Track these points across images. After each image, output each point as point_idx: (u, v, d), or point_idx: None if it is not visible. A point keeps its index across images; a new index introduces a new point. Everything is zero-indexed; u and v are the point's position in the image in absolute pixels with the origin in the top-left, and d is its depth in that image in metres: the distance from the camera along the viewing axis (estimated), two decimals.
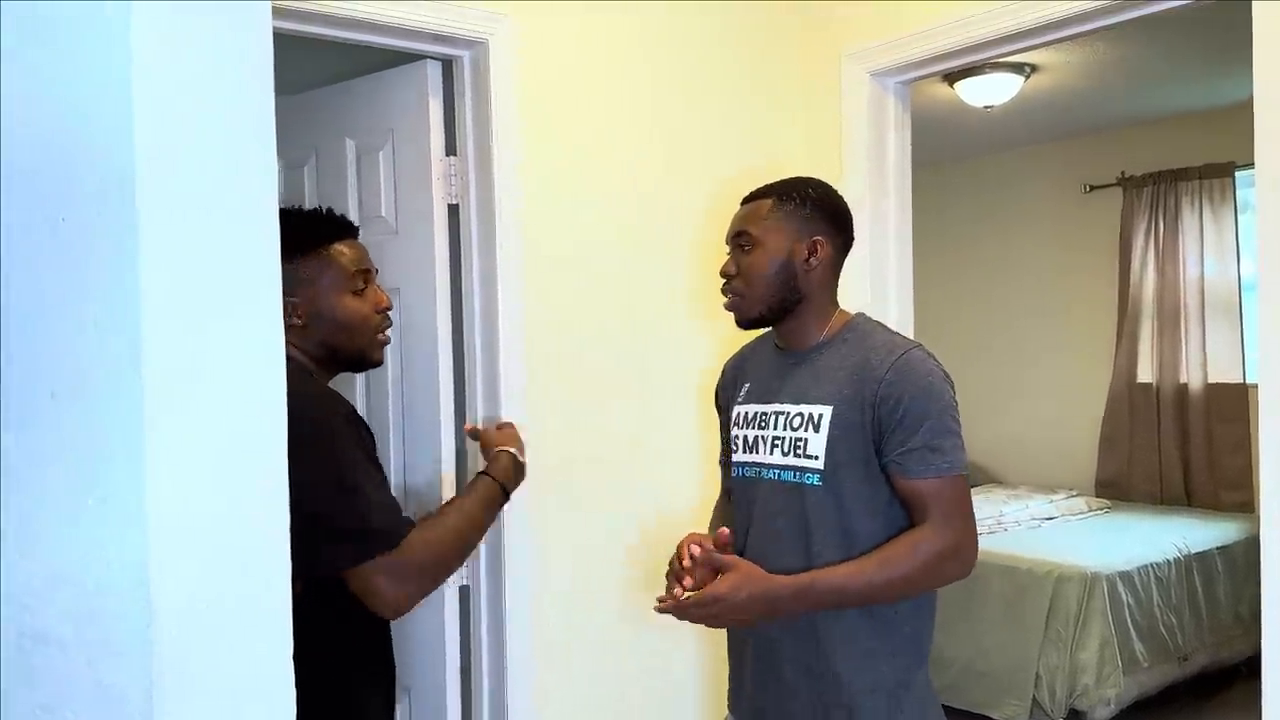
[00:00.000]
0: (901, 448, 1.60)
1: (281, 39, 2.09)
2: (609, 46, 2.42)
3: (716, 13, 2.58)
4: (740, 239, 1.73)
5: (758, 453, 1.76)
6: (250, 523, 0.88)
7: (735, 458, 1.83)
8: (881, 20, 2.55)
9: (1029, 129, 5.09)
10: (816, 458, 1.65)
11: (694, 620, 1.62)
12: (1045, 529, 4.53)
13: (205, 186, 0.87)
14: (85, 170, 0.84)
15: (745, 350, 1.94)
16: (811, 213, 1.72)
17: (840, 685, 1.66)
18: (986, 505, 4.72)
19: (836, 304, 1.78)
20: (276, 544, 0.90)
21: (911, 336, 2.66)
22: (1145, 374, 5.12)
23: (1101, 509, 4.87)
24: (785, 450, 1.71)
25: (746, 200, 1.79)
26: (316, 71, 2.66)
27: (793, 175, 1.80)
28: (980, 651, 3.99)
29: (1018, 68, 4.01)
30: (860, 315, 1.79)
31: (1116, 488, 5.17)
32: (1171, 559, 4.10)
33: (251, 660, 0.88)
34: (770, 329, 1.81)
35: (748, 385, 1.85)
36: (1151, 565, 4.03)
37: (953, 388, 1.67)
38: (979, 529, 4.42)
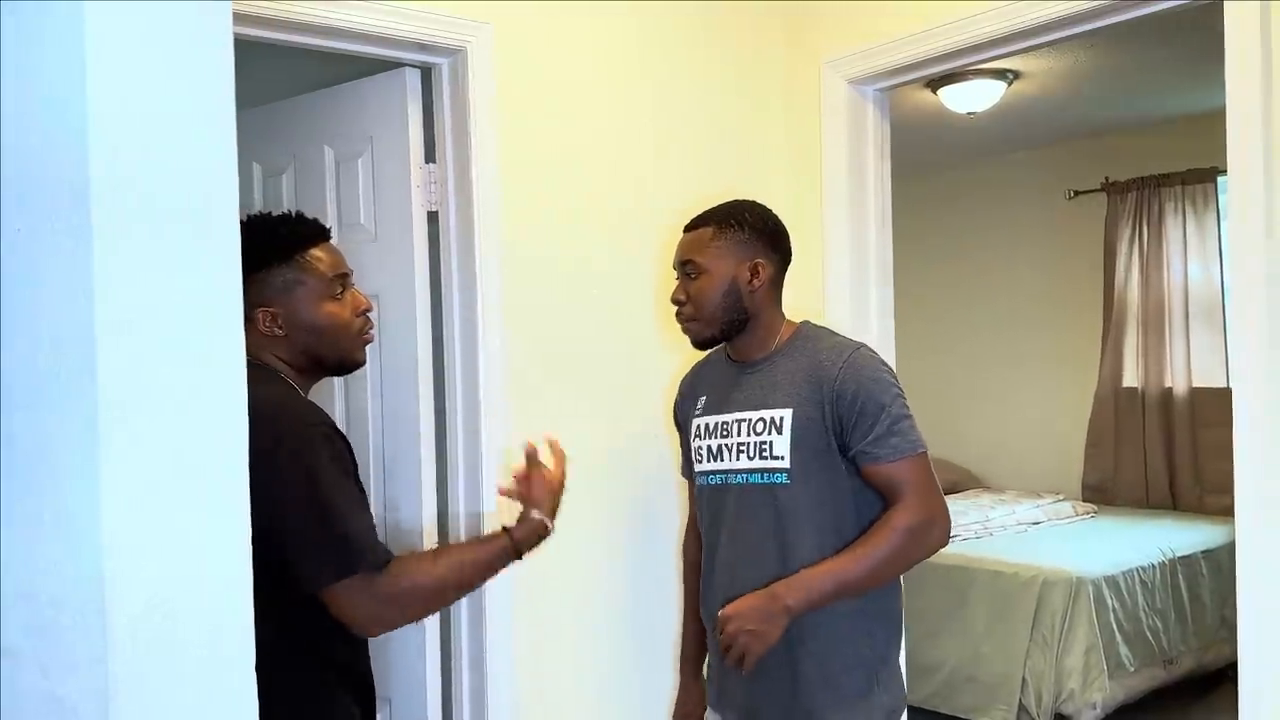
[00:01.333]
0: (867, 437, 1.74)
1: (261, 47, 2.11)
2: (588, 54, 2.42)
3: (697, 21, 2.59)
4: (687, 267, 1.86)
5: (723, 460, 1.87)
6: (208, 539, 0.87)
7: (700, 468, 1.93)
8: (860, 27, 2.55)
9: (1013, 135, 5.11)
10: (782, 457, 1.77)
11: (732, 653, 1.69)
12: (1031, 533, 4.54)
13: (162, 200, 0.87)
14: (40, 180, 0.83)
15: (698, 366, 2.06)
16: (750, 237, 1.85)
17: (820, 664, 1.75)
18: (973, 510, 4.72)
19: (783, 315, 1.91)
20: (235, 561, 0.90)
21: (893, 343, 2.69)
22: (1131, 379, 5.13)
23: (1087, 513, 4.87)
24: (751, 454, 1.82)
25: (689, 228, 1.90)
26: (295, 79, 2.66)
27: (732, 199, 1.92)
28: (967, 657, 4.00)
29: (1000, 74, 4.02)
30: (805, 323, 1.92)
31: (1102, 492, 5.18)
32: (1157, 563, 4.11)
33: (210, 676, 0.87)
34: (721, 344, 1.92)
35: (704, 398, 1.96)
36: (1137, 569, 4.03)
37: (896, 378, 1.83)
38: (966, 534, 4.43)
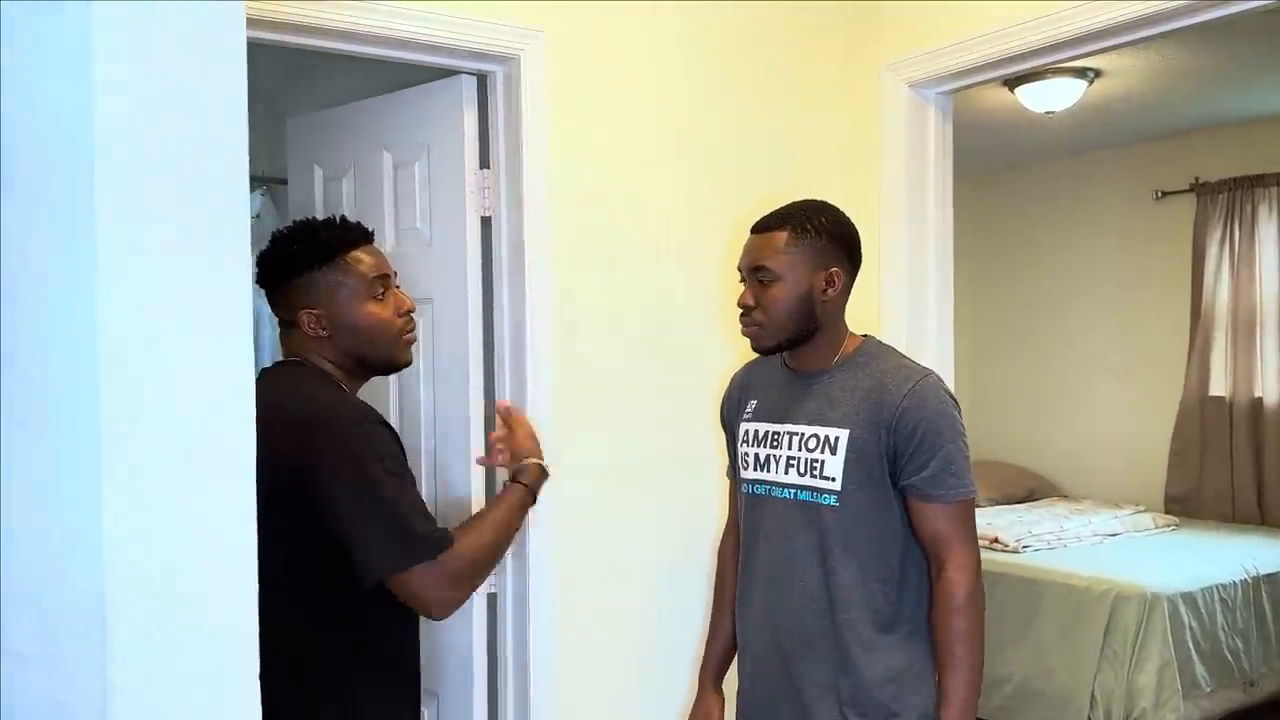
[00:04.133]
0: (921, 472, 1.67)
1: (323, 55, 2.16)
2: (641, 59, 2.42)
3: (753, 26, 2.56)
4: (759, 273, 1.76)
5: (769, 471, 1.82)
6: (211, 554, 0.90)
7: (745, 474, 1.88)
8: (924, 29, 2.50)
9: (1095, 134, 4.96)
10: (834, 479, 1.72)
11: None
12: (1107, 546, 4.41)
13: (167, 220, 0.89)
14: (49, 200, 0.86)
15: (751, 366, 1.98)
16: (827, 244, 1.76)
17: (856, 683, 1.71)
18: (1048, 520, 4.61)
19: (846, 326, 1.83)
20: (240, 574, 0.92)
21: (952, 366, 2.63)
22: (1218, 387, 4.94)
23: (1169, 526, 4.71)
24: (801, 470, 1.76)
25: (758, 229, 1.80)
26: (356, 85, 2.72)
27: (802, 199, 1.82)
28: (1034, 671, 3.90)
29: (1080, 72, 3.91)
30: (870, 338, 1.84)
31: (1186, 504, 5.00)
32: (1239, 580, 3.96)
33: (210, 691, 0.89)
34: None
35: (755, 402, 1.89)
36: (1217, 586, 3.89)
37: (960, 414, 1.74)
38: (1039, 544, 4.34)
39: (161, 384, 0.87)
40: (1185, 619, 3.73)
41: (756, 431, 1.85)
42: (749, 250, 1.80)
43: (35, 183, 0.89)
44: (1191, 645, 3.72)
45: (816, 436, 1.74)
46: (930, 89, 2.55)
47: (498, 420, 1.97)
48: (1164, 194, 5.11)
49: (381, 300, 1.74)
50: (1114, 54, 3.58)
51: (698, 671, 2.05)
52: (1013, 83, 3.92)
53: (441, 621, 1.69)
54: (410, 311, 1.80)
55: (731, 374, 2.06)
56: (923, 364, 1.81)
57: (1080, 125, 4.69)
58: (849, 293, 1.82)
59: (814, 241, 1.75)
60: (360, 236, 1.75)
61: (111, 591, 0.83)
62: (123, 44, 0.87)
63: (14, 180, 0.91)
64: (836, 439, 1.72)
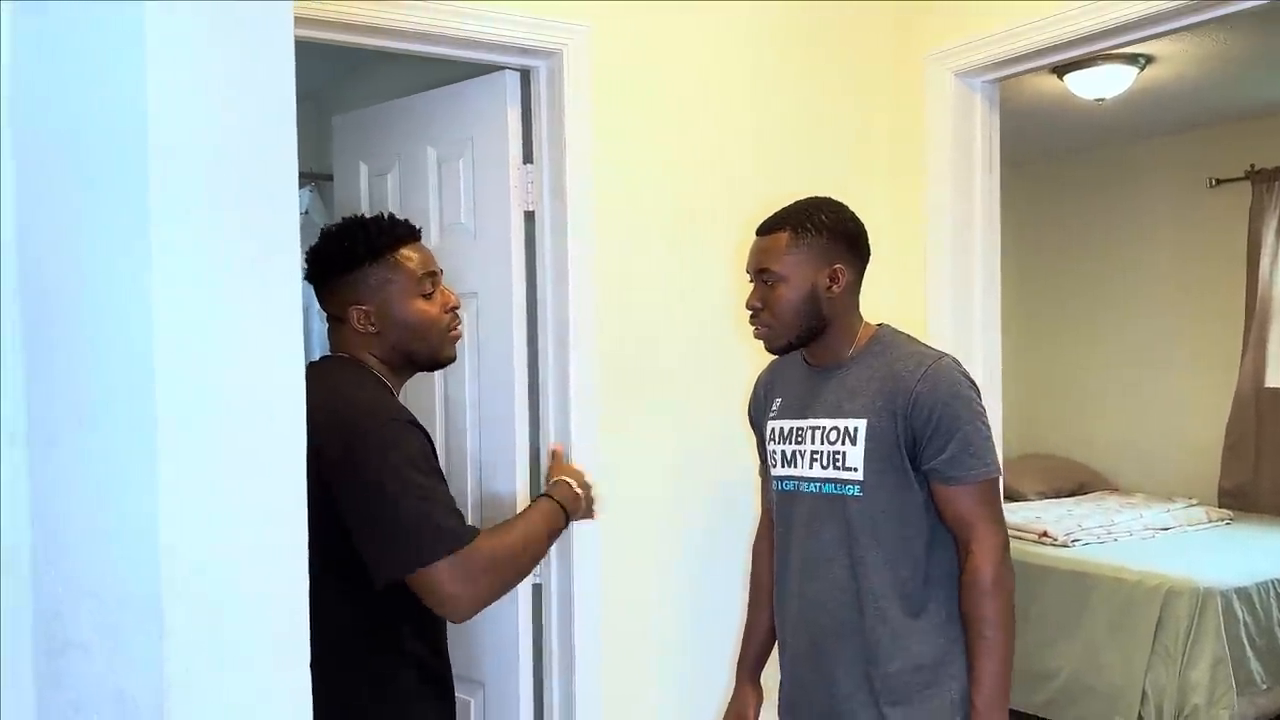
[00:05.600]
0: (940, 455, 1.68)
1: (369, 52, 2.18)
2: (684, 53, 2.42)
3: (798, 18, 2.55)
4: (764, 275, 1.80)
5: (796, 466, 1.85)
6: (264, 545, 0.92)
7: (774, 472, 1.91)
8: (967, 18, 2.47)
9: (1148, 121, 4.87)
10: (855, 469, 1.74)
11: None
12: (1159, 540, 4.34)
13: (219, 218, 0.91)
14: (105, 199, 0.89)
15: (774, 366, 2.02)
16: (829, 241, 1.78)
17: (889, 672, 1.72)
18: (1097, 514, 4.55)
19: (860, 318, 1.85)
20: (292, 565, 0.94)
21: (999, 359, 2.60)
22: (1275, 378, 4.84)
23: (1223, 520, 4.63)
24: (825, 463, 1.79)
25: (761, 231, 1.84)
26: (399, 81, 2.74)
27: (805, 198, 1.84)
28: (1084, 666, 3.86)
29: (1131, 59, 3.84)
30: (884, 327, 1.86)
31: (1241, 498, 4.91)
32: None
33: (264, 679, 0.92)
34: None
35: (780, 400, 1.93)
36: (1273, 581, 3.82)
37: (979, 394, 1.74)
38: (1089, 538, 4.28)
39: (215, 380, 0.89)
40: (1240, 614, 3.66)
41: (782, 428, 1.89)
42: (753, 253, 1.84)
43: (90, 183, 0.91)
44: (1246, 641, 3.65)
45: (837, 428, 1.77)
46: (976, 78, 2.52)
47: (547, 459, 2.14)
48: (1218, 181, 5.01)
49: (429, 297, 1.76)
50: (1166, 39, 3.51)
51: (735, 659, 2.06)
52: (1061, 70, 3.86)
53: (490, 608, 1.68)
54: (456, 308, 1.82)
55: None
56: (940, 349, 1.81)
57: (1132, 112, 4.60)
58: (858, 286, 1.84)
59: (815, 240, 1.77)
60: (408, 234, 1.77)
61: (168, 583, 0.85)
62: (174, 45, 0.89)
63: (69, 180, 0.93)
64: (855, 429, 1.74)
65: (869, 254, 1.85)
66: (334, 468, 1.54)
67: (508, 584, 1.71)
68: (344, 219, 1.80)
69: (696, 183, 2.43)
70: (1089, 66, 3.81)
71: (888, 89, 2.65)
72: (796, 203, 1.84)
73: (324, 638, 1.15)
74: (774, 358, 1.96)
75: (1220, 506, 4.85)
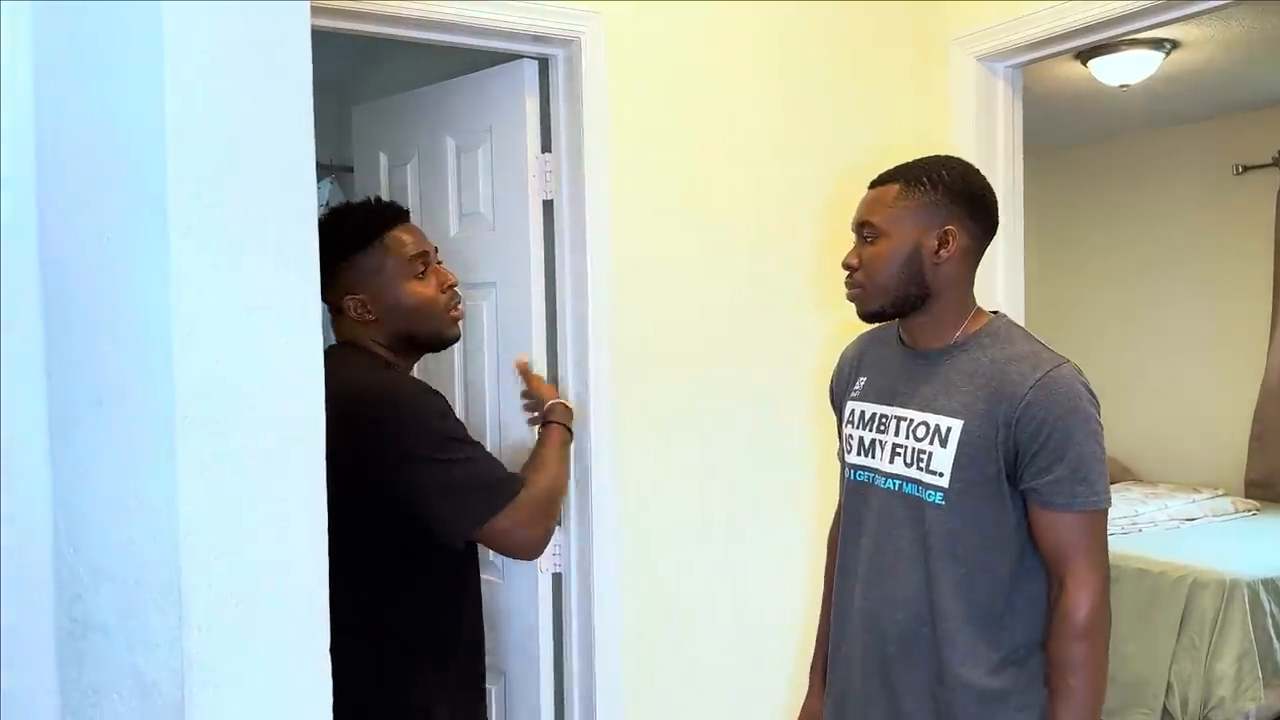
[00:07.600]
0: (1045, 476, 1.48)
1: (386, 42, 2.18)
2: (701, 37, 2.40)
3: (817, 1, 2.52)
4: (864, 229, 1.61)
5: (874, 457, 1.66)
6: (283, 529, 0.92)
7: (849, 458, 1.74)
8: (990, 3, 2.45)
9: (1173, 107, 4.81)
10: (941, 474, 1.54)
11: None
12: (1184, 531, 4.30)
13: (237, 207, 0.91)
14: (124, 186, 0.89)
15: (864, 340, 1.82)
16: (943, 198, 1.57)
17: (953, 700, 1.56)
18: (1121, 504, 4.50)
19: (973, 301, 1.64)
20: (311, 549, 0.94)
21: (1023, 326, 2.55)
22: None
23: (1250, 510, 4.58)
24: (907, 460, 1.60)
25: (874, 184, 1.65)
26: (419, 71, 2.74)
27: (930, 155, 1.66)
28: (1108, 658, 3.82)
29: (1156, 44, 3.79)
30: (1000, 316, 1.66)
31: (1268, 488, 4.85)
32: None
33: (285, 659, 0.92)
34: (894, 321, 1.67)
35: (864, 379, 1.74)
36: None
37: (1099, 410, 1.54)
38: (1112, 529, 4.25)
39: (233, 364, 0.90)
40: (1266, 606, 3.62)
41: (863, 413, 1.70)
42: (860, 206, 1.64)
43: (110, 173, 0.92)
44: (1273, 633, 3.61)
45: (926, 425, 1.57)
46: (999, 62, 2.49)
47: (517, 375, 2.23)
48: (1245, 168, 4.95)
49: (423, 278, 1.76)
50: (1191, 24, 3.47)
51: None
52: (1085, 55, 3.82)
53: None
54: (453, 286, 1.81)
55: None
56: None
57: (1157, 98, 4.55)
58: (975, 260, 1.62)
59: (927, 195, 1.56)
60: (396, 215, 1.77)
61: (187, 565, 0.85)
62: (192, 34, 0.89)
63: (89, 169, 0.93)
64: (948, 430, 1.53)
65: (995, 226, 1.63)
66: (368, 451, 1.55)
67: (557, 517, 1.81)
68: (331, 208, 1.80)
69: (716, 170, 2.42)
70: (1113, 52, 3.77)
71: (910, 74, 2.62)
72: (920, 157, 1.64)
73: (344, 621, 1.15)
74: (865, 329, 1.77)
75: (1247, 497, 4.80)
